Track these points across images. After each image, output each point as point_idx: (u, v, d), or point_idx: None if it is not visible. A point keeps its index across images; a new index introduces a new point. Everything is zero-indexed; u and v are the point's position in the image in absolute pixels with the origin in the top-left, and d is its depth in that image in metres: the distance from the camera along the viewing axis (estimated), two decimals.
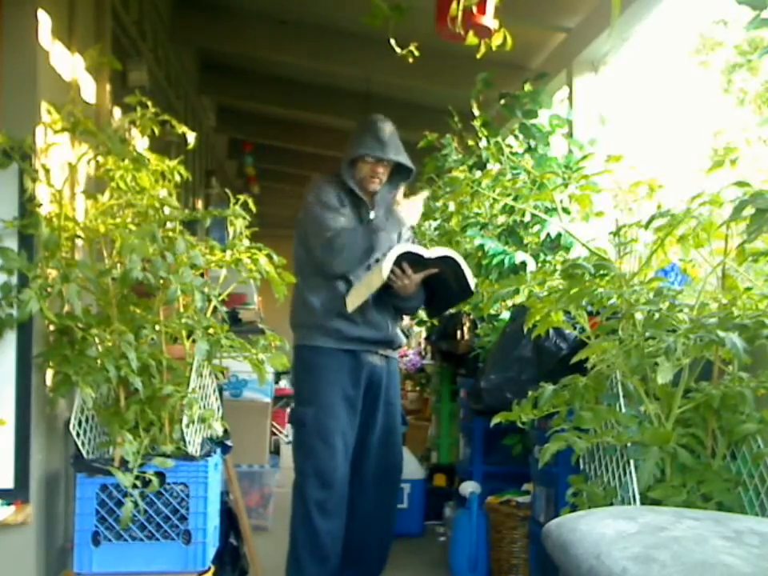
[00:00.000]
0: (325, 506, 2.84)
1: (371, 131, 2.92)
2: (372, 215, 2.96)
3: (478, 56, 2.92)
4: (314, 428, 2.86)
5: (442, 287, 2.93)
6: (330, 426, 2.85)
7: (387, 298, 2.89)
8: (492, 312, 3.63)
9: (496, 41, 2.86)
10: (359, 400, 2.92)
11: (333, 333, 2.86)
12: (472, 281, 2.85)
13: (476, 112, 3.83)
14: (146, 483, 2.34)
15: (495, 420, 2.23)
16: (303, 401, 2.94)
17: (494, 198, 3.45)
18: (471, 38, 2.85)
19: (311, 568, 2.85)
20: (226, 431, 2.65)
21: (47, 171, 2.45)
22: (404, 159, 2.96)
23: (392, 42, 2.96)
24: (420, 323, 5.15)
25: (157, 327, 2.47)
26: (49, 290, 2.31)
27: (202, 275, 2.56)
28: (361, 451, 2.97)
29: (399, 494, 3.31)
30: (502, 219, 3.73)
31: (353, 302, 2.81)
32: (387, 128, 2.95)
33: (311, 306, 2.88)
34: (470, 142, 3.90)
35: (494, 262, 3.41)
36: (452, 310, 4.39)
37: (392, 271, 2.73)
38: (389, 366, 3.02)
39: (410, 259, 2.76)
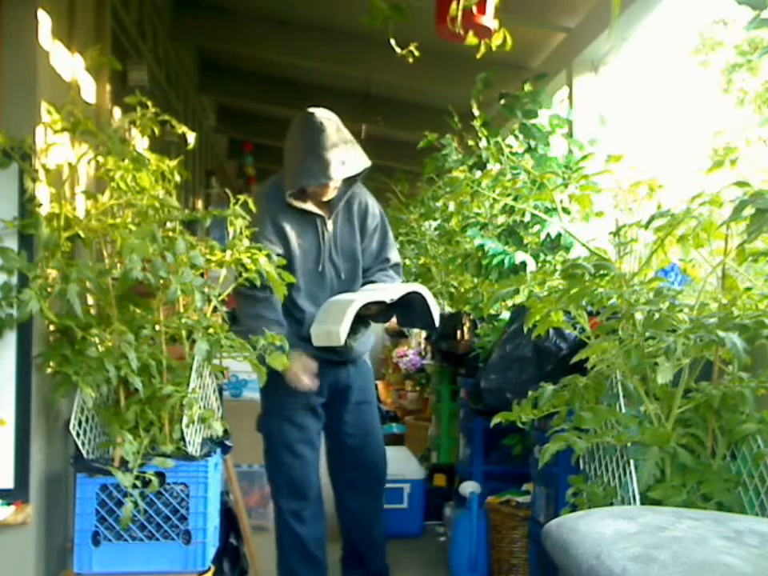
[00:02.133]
0: (302, 515, 2.85)
1: (311, 152, 2.65)
2: (330, 226, 2.81)
3: (478, 56, 2.92)
4: (281, 440, 2.84)
5: (408, 307, 2.84)
6: (296, 436, 2.83)
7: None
8: (492, 312, 3.63)
9: (496, 41, 2.86)
10: (321, 408, 2.88)
11: (293, 348, 2.76)
12: (437, 316, 2.79)
13: (476, 112, 3.82)
14: (146, 483, 2.34)
15: (495, 420, 2.23)
16: (268, 412, 2.91)
17: (494, 198, 3.46)
18: (471, 38, 2.85)
19: (304, 573, 2.86)
20: (225, 431, 2.65)
21: (47, 171, 2.45)
22: (352, 169, 2.70)
23: (392, 42, 2.95)
24: None
25: (157, 327, 2.47)
26: (49, 289, 2.31)
27: (201, 275, 2.55)
28: (338, 454, 2.96)
29: (399, 494, 3.28)
30: (501, 219, 3.73)
31: (317, 339, 2.73)
32: (327, 137, 2.65)
33: None
34: (470, 142, 3.90)
35: (494, 262, 3.41)
36: (451, 310, 4.41)
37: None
38: (356, 368, 2.93)
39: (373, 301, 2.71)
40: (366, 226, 2.89)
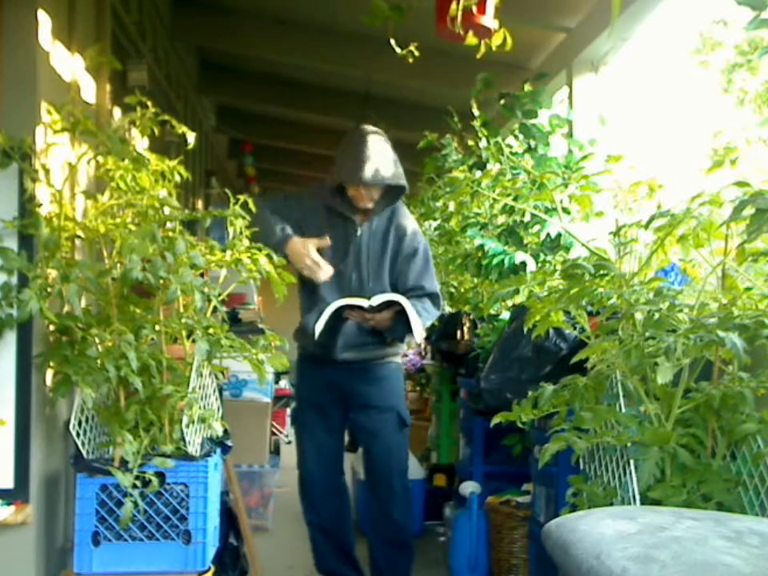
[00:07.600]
0: (305, 499, 3.06)
1: (354, 153, 2.81)
2: (359, 232, 2.92)
3: (478, 56, 2.92)
4: (296, 430, 3.15)
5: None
6: (301, 430, 3.08)
7: (360, 331, 2.89)
8: (492, 312, 3.63)
9: (496, 41, 2.86)
10: (330, 407, 3.00)
11: (301, 347, 3.06)
12: (417, 329, 2.80)
13: (476, 112, 3.83)
14: (146, 483, 2.34)
15: (495, 420, 2.23)
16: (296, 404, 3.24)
17: (493, 198, 3.45)
18: (471, 38, 2.85)
19: (317, 555, 3.10)
20: (225, 431, 2.65)
21: (47, 171, 2.44)
22: (390, 179, 2.83)
23: (392, 42, 2.96)
24: None
25: (157, 327, 2.47)
26: (49, 289, 2.31)
27: (201, 275, 2.55)
28: (362, 454, 3.11)
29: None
30: (502, 219, 3.73)
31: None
32: (372, 145, 2.81)
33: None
34: (470, 142, 3.90)
35: (494, 262, 3.41)
36: (451, 310, 4.40)
37: (352, 311, 2.82)
38: (361, 373, 2.97)
39: (358, 306, 2.81)
40: (401, 249, 2.97)
